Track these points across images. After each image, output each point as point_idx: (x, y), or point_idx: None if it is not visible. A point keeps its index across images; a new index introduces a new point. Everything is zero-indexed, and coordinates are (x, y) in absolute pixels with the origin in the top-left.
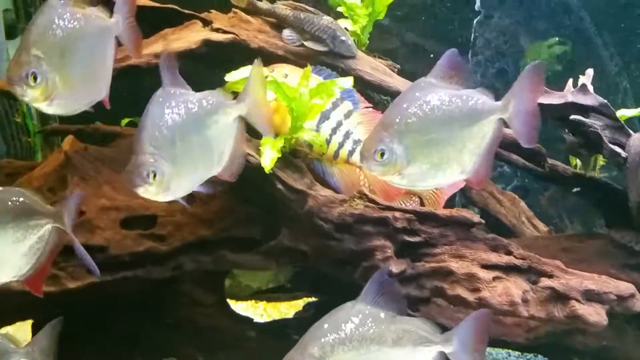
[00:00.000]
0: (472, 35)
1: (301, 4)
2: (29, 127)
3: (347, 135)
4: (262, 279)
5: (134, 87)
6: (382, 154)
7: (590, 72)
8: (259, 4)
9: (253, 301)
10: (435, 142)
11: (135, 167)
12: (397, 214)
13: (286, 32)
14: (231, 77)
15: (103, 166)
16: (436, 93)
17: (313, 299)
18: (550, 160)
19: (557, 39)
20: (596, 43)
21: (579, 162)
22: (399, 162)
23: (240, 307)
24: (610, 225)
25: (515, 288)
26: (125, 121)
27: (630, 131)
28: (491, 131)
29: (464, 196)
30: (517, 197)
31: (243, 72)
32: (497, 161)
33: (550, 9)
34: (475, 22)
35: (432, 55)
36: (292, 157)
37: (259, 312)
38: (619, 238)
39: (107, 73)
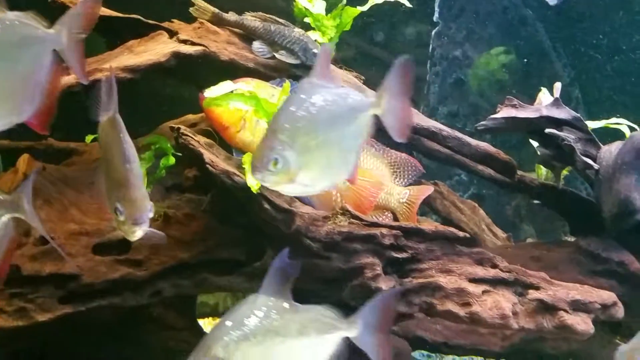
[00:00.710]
0: (430, 46)
1: (271, 16)
2: None
3: None
4: (219, 295)
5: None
6: (276, 163)
7: (558, 85)
8: (226, 15)
9: (211, 318)
10: (324, 144)
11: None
12: (384, 231)
13: (256, 45)
14: (211, 92)
15: (66, 187)
16: (320, 93)
17: None
18: (518, 172)
19: (503, 48)
20: (550, 54)
21: (544, 171)
22: (292, 168)
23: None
24: (575, 232)
25: (505, 301)
26: (89, 138)
27: (600, 144)
28: (366, 128)
29: (426, 205)
30: (476, 205)
31: (224, 87)
32: (456, 169)
33: (506, 20)
34: (433, 33)
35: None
36: None
37: None
38: (585, 245)
39: (35, 90)
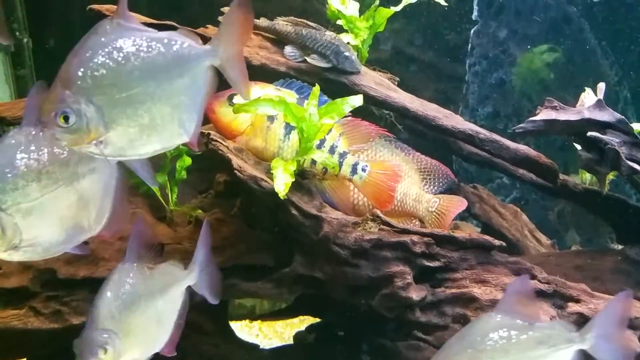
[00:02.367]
0: (470, 45)
1: (302, 20)
2: None
3: (332, 150)
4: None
5: None
6: (66, 118)
7: (601, 85)
8: (257, 21)
9: (247, 320)
10: (140, 99)
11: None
12: (415, 238)
13: (288, 49)
14: (239, 99)
15: None
16: (129, 37)
17: (314, 320)
18: (560, 176)
19: (547, 45)
20: (596, 52)
21: (589, 176)
22: (93, 126)
23: (235, 327)
24: (622, 241)
25: (542, 314)
26: None
27: None
28: (207, 82)
29: (465, 210)
30: (518, 209)
31: (252, 93)
32: (497, 173)
33: (549, 17)
34: (472, 32)
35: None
36: (301, 179)
37: (254, 331)
38: (633, 255)
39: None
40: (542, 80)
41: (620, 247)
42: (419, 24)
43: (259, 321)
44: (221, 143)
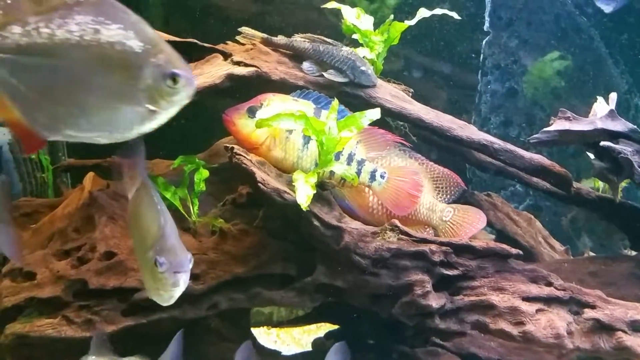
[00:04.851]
0: (482, 55)
1: (319, 36)
2: (42, 162)
3: (350, 157)
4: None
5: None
6: None
7: (613, 95)
8: (275, 39)
9: (266, 327)
10: None
11: None
12: (434, 247)
13: (306, 65)
14: (262, 113)
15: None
16: None
17: (331, 327)
18: (574, 184)
19: (557, 53)
20: (606, 61)
21: (602, 183)
22: None
23: (254, 333)
24: (636, 247)
25: (559, 320)
26: (179, 160)
27: None
28: None
29: None
30: (532, 217)
31: (274, 108)
32: (510, 180)
33: (559, 28)
34: (484, 42)
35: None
36: (321, 190)
37: (272, 338)
38: None
39: None
40: (553, 88)
41: (633, 253)
42: (432, 35)
43: (277, 327)
44: (244, 157)
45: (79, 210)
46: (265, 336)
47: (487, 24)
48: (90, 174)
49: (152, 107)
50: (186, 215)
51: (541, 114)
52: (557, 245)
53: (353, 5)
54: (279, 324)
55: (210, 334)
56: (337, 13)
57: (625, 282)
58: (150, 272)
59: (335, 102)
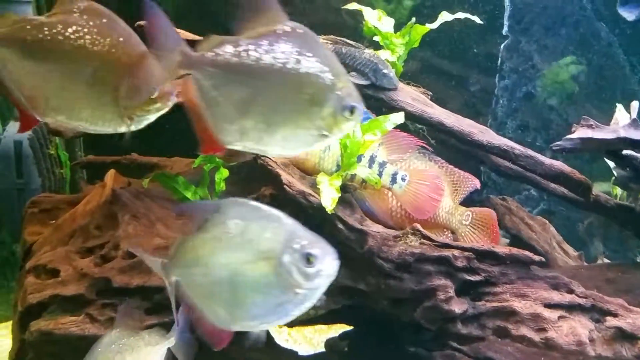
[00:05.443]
0: (499, 59)
1: (341, 38)
2: (61, 158)
3: (372, 159)
4: None
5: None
6: None
7: (635, 104)
8: None
9: (279, 326)
10: None
11: None
12: (457, 252)
13: None
14: None
15: (152, 202)
16: None
17: (341, 326)
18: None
19: (575, 58)
20: (624, 68)
21: (619, 191)
22: None
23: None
24: None
25: (581, 327)
26: (199, 160)
27: None
28: None
29: None
30: (547, 222)
31: None
32: (524, 184)
33: (577, 34)
34: (502, 46)
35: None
36: (343, 192)
37: (284, 337)
38: None
39: None
40: (570, 94)
41: None
42: (450, 38)
43: (287, 327)
44: (269, 158)
45: (101, 207)
46: (276, 335)
47: (505, 28)
48: (112, 171)
49: (325, 132)
50: None
51: (558, 119)
52: (571, 250)
53: (371, 6)
54: (293, 323)
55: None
56: (354, 14)
57: None
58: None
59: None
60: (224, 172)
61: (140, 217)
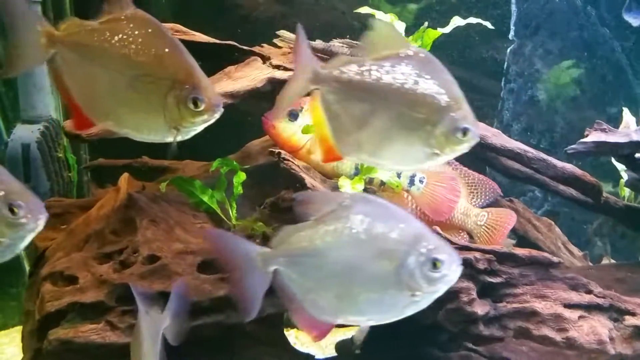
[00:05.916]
0: (506, 63)
1: (357, 42)
2: (69, 161)
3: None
4: None
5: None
6: None
7: None
8: (313, 43)
9: (290, 328)
10: None
11: None
12: (478, 255)
13: None
14: (303, 117)
15: (169, 206)
16: None
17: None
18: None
19: (579, 63)
20: (627, 72)
21: (627, 192)
22: None
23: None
24: None
25: (601, 327)
26: (216, 163)
27: None
28: None
29: None
30: (552, 222)
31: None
32: (529, 186)
33: (582, 39)
34: (508, 50)
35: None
36: None
37: (291, 339)
38: None
39: None
40: (573, 97)
41: None
42: (457, 42)
43: (295, 329)
44: (292, 162)
45: (116, 212)
46: None
47: (512, 33)
48: (126, 175)
49: (436, 151)
50: (225, 219)
51: (562, 122)
52: (576, 250)
53: (375, 8)
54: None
55: (246, 337)
56: (358, 16)
57: None
58: None
59: None
60: (242, 176)
61: (159, 222)
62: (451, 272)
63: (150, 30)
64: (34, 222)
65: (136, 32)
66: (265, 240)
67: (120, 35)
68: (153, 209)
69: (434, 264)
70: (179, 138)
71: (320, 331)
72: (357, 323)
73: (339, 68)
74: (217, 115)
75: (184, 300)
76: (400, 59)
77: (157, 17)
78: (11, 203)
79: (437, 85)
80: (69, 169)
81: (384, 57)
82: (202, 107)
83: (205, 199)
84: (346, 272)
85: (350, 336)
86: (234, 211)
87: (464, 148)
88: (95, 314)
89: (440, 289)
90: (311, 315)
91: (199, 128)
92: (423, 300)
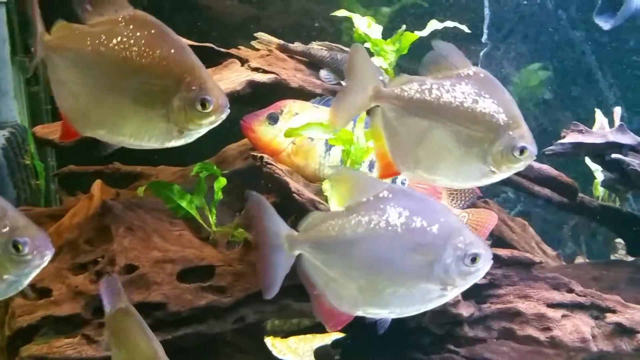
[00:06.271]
0: (479, 66)
1: (336, 45)
2: (37, 168)
3: (372, 164)
4: None
5: None
6: None
7: (618, 109)
8: (292, 46)
9: (272, 337)
10: None
11: None
12: None
13: (323, 73)
14: (283, 120)
15: (146, 214)
16: None
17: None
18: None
19: (551, 66)
20: (596, 74)
21: (602, 192)
22: None
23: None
24: (633, 253)
25: (583, 325)
26: (196, 167)
27: None
28: None
29: None
30: (526, 223)
31: (304, 117)
32: (501, 187)
33: (553, 42)
34: (481, 54)
35: None
36: None
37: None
38: None
39: None
40: (545, 100)
41: (631, 258)
42: (429, 45)
43: (272, 337)
44: (275, 166)
45: (90, 220)
46: None
47: (485, 36)
48: (99, 182)
49: (493, 169)
50: (204, 225)
51: (533, 124)
52: (549, 250)
53: (349, 11)
54: (289, 333)
55: (227, 346)
56: (331, 19)
57: (625, 287)
58: None
59: (363, 113)
60: (222, 181)
61: (135, 230)
62: (484, 267)
63: (153, 31)
64: (40, 259)
65: (137, 34)
66: (246, 246)
67: (119, 38)
68: (129, 216)
69: (473, 259)
70: (182, 142)
71: (337, 321)
72: (377, 316)
73: (400, 86)
74: (223, 116)
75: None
76: (460, 78)
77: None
78: (16, 239)
79: (496, 104)
80: (36, 176)
81: (445, 76)
82: (210, 109)
83: (184, 204)
84: (374, 265)
85: (330, 342)
86: (214, 217)
87: (520, 166)
88: (71, 327)
89: (470, 283)
90: (330, 305)
91: (204, 130)
92: (450, 294)
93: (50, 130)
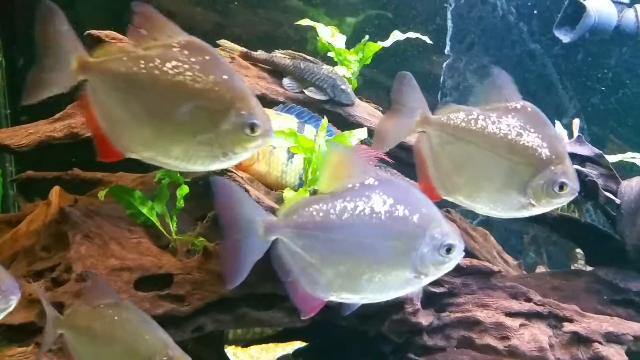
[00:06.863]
0: (442, 77)
1: (299, 53)
2: None
3: (291, 154)
4: None
5: None
6: None
7: (577, 121)
8: (255, 54)
9: (233, 346)
10: None
11: None
12: None
13: (286, 81)
14: None
15: (104, 221)
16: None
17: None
18: None
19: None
20: (556, 86)
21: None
22: None
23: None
24: (592, 263)
25: (541, 334)
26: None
27: (619, 179)
28: None
29: None
30: (487, 232)
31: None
32: None
33: (514, 54)
34: (444, 65)
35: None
36: None
37: (230, 356)
38: (604, 275)
39: None
40: None
41: (589, 268)
42: (395, 55)
43: (233, 346)
44: (235, 173)
45: (48, 227)
46: None
47: (448, 48)
48: (57, 188)
49: (532, 202)
50: (165, 233)
51: None
52: (510, 259)
53: (314, 21)
54: (250, 342)
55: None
56: (296, 28)
57: (584, 296)
58: None
59: (324, 121)
60: (185, 189)
61: (93, 237)
62: (457, 258)
63: (207, 57)
64: (5, 303)
65: (192, 59)
66: (206, 254)
67: (173, 62)
68: (87, 223)
69: (448, 249)
70: (225, 165)
71: (311, 307)
72: (350, 301)
73: (448, 115)
74: (268, 140)
75: None
76: (508, 111)
77: (89, 24)
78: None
79: (540, 139)
80: None
81: (492, 108)
82: (258, 133)
83: (145, 210)
84: (355, 251)
85: (292, 351)
86: (174, 225)
87: (561, 202)
88: (25, 336)
89: (442, 273)
90: (304, 291)
91: (248, 154)
92: (422, 282)
93: (8, 135)
